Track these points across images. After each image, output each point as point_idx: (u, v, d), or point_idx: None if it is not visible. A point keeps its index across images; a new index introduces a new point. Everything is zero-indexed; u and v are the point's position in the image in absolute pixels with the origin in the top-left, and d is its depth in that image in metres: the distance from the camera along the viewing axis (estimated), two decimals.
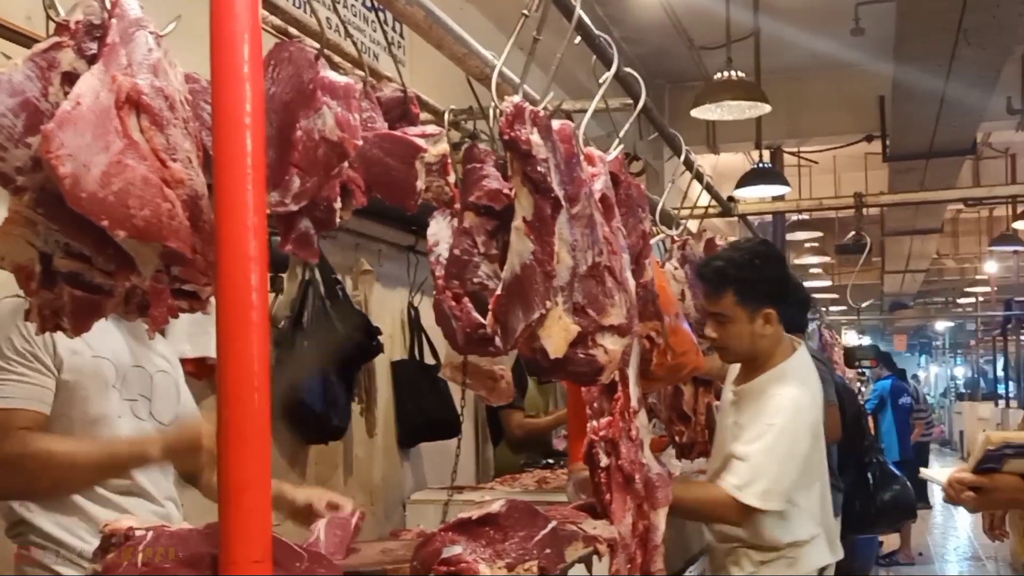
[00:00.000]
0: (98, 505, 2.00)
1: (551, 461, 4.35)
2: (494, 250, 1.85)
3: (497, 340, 2.25)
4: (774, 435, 2.52)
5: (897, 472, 5.00)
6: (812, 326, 7.26)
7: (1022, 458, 1.96)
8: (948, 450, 20.75)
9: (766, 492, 2.50)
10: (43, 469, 1.90)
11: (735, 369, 2.81)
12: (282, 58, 1.59)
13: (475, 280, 1.85)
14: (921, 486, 6.57)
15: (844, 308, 15.37)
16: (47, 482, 1.93)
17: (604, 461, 2.20)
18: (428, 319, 4.46)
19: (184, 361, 2.49)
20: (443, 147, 1.81)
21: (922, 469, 2.76)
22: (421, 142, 1.75)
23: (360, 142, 1.58)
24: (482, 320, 2.40)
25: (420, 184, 1.75)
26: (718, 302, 2.67)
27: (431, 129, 1.84)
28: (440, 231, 2.33)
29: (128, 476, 2.07)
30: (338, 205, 1.63)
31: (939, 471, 2.28)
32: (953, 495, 2.07)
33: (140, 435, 2.04)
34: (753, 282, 2.65)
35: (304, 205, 1.56)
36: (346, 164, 1.60)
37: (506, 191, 1.84)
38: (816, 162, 10.62)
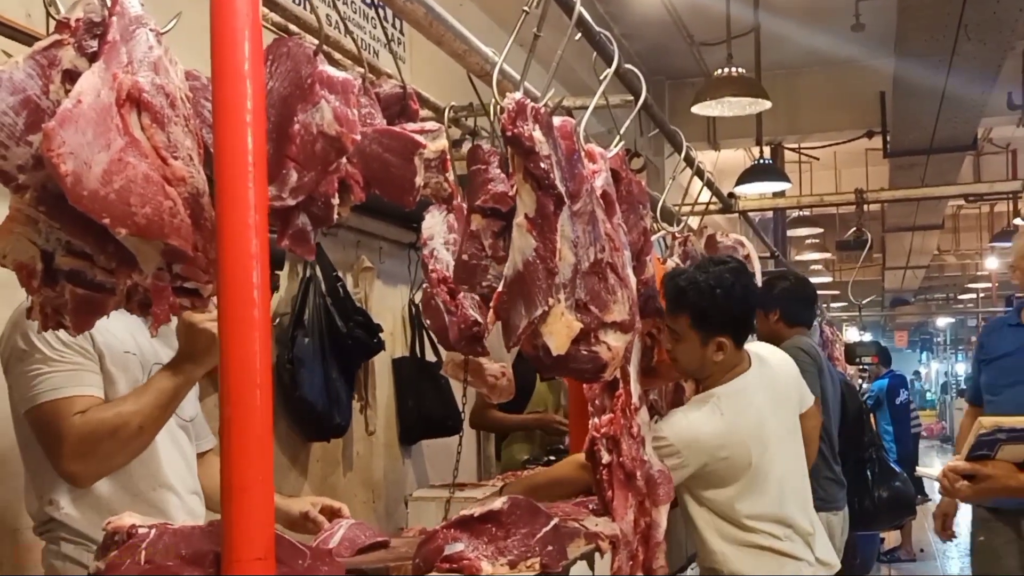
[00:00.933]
0: (128, 497, 2.00)
1: (552, 459, 4.34)
2: (502, 252, 1.85)
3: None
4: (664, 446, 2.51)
5: (897, 468, 5.00)
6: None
7: (1015, 443, 1.96)
8: (949, 446, 20.74)
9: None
10: (114, 435, 1.88)
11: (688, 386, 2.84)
12: (280, 53, 1.59)
13: (484, 284, 1.85)
14: (919, 481, 6.56)
15: (845, 304, 15.37)
16: (125, 446, 1.91)
17: (606, 458, 2.20)
18: None
19: None
20: (442, 143, 1.81)
21: (918, 468, 2.75)
22: (420, 138, 1.75)
23: (358, 137, 1.57)
24: (477, 317, 2.41)
25: (419, 180, 1.74)
26: (674, 319, 2.65)
27: (430, 125, 1.84)
28: (435, 225, 2.34)
29: (156, 472, 2.07)
30: (336, 201, 1.63)
31: (933, 468, 2.27)
32: (948, 485, 2.08)
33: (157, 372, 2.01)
34: (709, 311, 2.62)
35: (301, 200, 1.56)
36: (344, 160, 1.60)
37: (512, 194, 1.83)
38: (817, 158, 10.61)
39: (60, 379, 1.92)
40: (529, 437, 4.69)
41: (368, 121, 1.75)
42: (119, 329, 2.00)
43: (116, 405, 1.94)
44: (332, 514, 2.30)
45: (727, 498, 2.65)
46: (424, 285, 2.35)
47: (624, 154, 2.37)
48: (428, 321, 2.41)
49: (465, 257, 1.84)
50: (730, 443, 2.60)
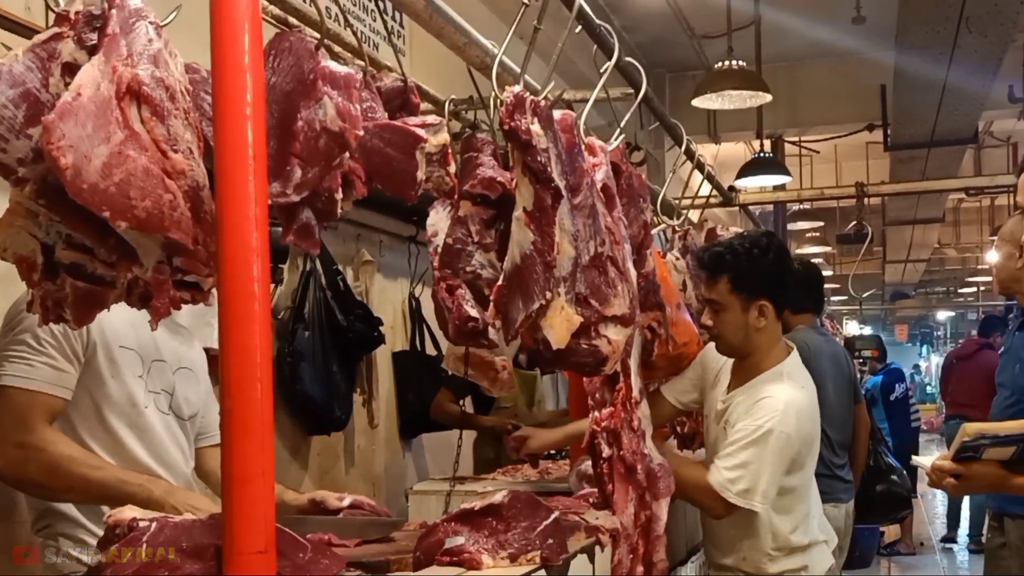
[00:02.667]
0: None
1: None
2: (489, 239, 1.85)
3: (491, 332, 2.26)
4: (763, 435, 2.51)
5: (895, 463, 4.99)
6: None
7: (998, 446, 2.00)
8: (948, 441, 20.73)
9: (747, 491, 2.49)
10: (56, 471, 1.87)
11: (723, 380, 2.78)
12: (282, 48, 1.58)
13: (468, 269, 1.85)
14: (914, 472, 6.53)
15: (845, 298, 15.36)
16: (58, 484, 1.90)
17: (606, 451, 2.20)
18: (429, 310, 4.46)
19: None
20: (443, 137, 1.80)
21: (913, 457, 2.76)
22: (421, 132, 1.75)
23: (361, 132, 1.57)
24: (472, 313, 2.41)
25: (420, 175, 1.74)
26: (713, 287, 2.66)
27: (431, 119, 1.83)
28: (439, 221, 2.33)
29: (154, 464, 2.06)
30: (339, 196, 1.63)
31: (927, 458, 2.30)
32: (936, 480, 2.11)
33: (150, 479, 1.97)
34: (748, 271, 2.63)
35: (305, 196, 1.56)
36: (347, 155, 1.60)
37: (500, 179, 1.83)
38: (817, 151, 10.60)
39: (37, 372, 1.90)
40: (497, 437, 4.65)
41: (370, 115, 1.74)
42: (120, 323, 2.00)
43: (84, 453, 1.91)
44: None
45: (805, 481, 2.67)
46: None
47: (624, 147, 2.37)
48: (437, 317, 2.41)
49: (450, 241, 1.84)
50: (816, 417, 2.64)
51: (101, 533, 1.92)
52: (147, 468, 2.05)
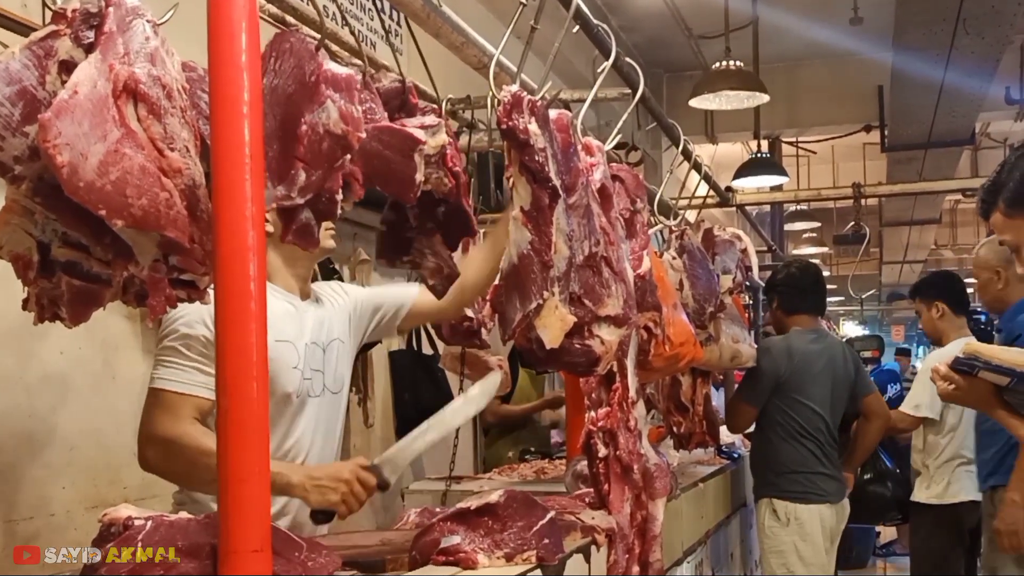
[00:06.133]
0: None
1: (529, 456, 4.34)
2: (429, 224, 1.86)
3: (484, 332, 2.25)
4: None
5: (890, 466, 4.99)
6: None
7: (991, 372, 2.05)
8: None
9: None
10: (189, 458, 1.92)
11: None
12: (283, 49, 1.58)
13: (406, 259, 1.86)
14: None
15: (842, 299, 15.37)
16: (202, 476, 1.92)
17: (602, 451, 2.20)
18: None
19: None
20: (442, 138, 1.80)
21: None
22: (420, 134, 1.74)
23: (363, 134, 1.57)
24: (468, 313, 2.41)
25: (419, 177, 1.74)
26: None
27: (430, 120, 1.83)
28: None
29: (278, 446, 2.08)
30: (340, 197, 1.63)
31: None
32: (935, 378, 2.17)
33: (289, 466, 2.02)
34: None
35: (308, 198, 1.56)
36: (348, 156, 1.60)
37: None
38: (814, 152, 10.61)
39: (188, 375, 1.97)
40: (513, 435, 4.69)
41: (370, 116, 1.74)
42: (274, 317, 2.01)
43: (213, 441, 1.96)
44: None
45: None
46: None
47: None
48: None
49: (385, 227, 1.85)
50: None
51: None
52: (287, 457, 2.07)
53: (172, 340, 1.99)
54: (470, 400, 2.31)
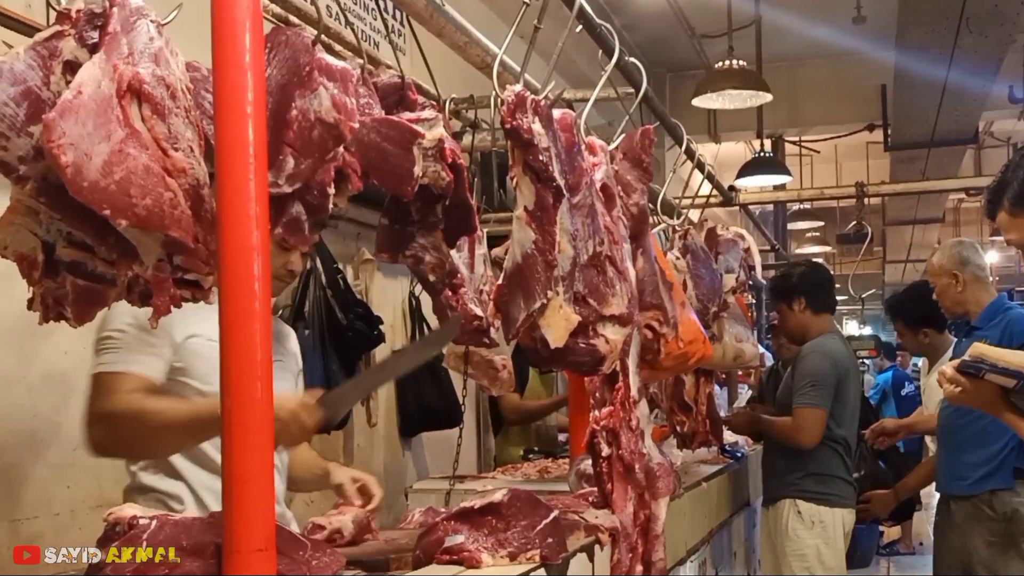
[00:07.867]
0: (200, 469, 2.02)
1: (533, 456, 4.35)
2: (432, 218, 1.85)
3: (492, 331, 2.24)
4: None
5: (883, 469, 4.98)
6: None
7: (998, 374, 2.06)
8: None
9: None
10: (134, 426, 1.92)
11: None
12: (279, 41, 1.58)
13: (408, 253, 1.86)
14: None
15: (845, 298, 15.35)
16: (140, 439, 1.95)
17: (605, 451, 2.20)
18: (429, 309, 4.45)
19: None
20: (439, 131, 1.79)
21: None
22: (418, 127, 1.74)
23: (356, 125, 1.57)
24: (477, 312, 2.40)
25: (417, 170, 1.73)
26: None
27: (427, 114, 1.82)
28: None
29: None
30: (332, 190, 1.61)
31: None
32: (942, 380, 2.18)
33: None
34: None
35: (297, 188, 1.55)
36: (342, 148, 1.59)
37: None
38: (817, 151, 10.60)
39: (120, 356, 1.97)
40: (524, 433, 4.69)
41: (366, 111, 1.74)
42: (209, 319, 2.01)
43: (157, 402, 1.96)
44: (363, 495, 2.35)
45: None
46: None
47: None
48: (436, 315, 2.42)
49: (386, 221, 1.84)
50: None
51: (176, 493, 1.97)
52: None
53: (104, 333, 2.01)
54: (426, 341, 2.32)
